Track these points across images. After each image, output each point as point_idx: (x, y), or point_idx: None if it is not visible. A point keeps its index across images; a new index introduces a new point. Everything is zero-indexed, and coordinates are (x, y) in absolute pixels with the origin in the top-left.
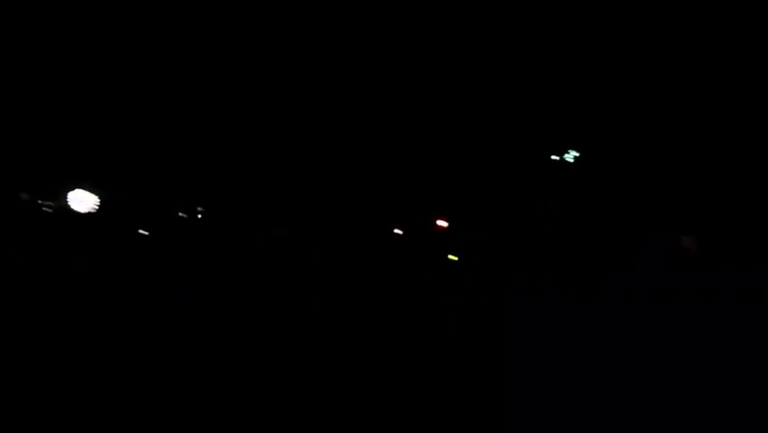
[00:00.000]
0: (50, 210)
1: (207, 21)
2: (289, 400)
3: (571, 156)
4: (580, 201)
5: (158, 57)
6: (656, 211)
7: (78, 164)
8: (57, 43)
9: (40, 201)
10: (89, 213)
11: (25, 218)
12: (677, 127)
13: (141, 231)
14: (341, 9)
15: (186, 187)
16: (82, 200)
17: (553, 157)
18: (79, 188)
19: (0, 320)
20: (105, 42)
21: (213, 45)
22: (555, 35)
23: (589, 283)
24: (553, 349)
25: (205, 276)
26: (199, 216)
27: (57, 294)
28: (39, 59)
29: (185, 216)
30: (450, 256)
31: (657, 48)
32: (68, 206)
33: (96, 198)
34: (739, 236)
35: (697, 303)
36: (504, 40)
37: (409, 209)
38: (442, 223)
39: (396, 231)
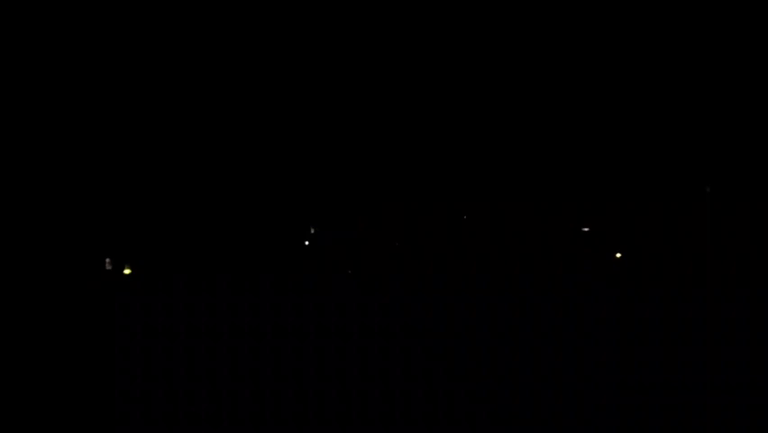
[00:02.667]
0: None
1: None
2: (290, 399)
3: (569, 156)
4: (579, 200)
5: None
6: (656, 210)
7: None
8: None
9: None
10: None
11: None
12: (675, 126)
13: (139, 228)
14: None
15: (185, 185)
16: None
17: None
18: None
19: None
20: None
21: (209, 49)
22: (553, 36)
23: (585, 282)
24: (546, 347)
25: (204, 276)
26: (201, 214)
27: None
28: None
29: (185, 214)
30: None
31: (656, 52)
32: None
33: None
34: (739, 235)
35: (695, 301)
36: (501, 40)
37: (410, 209)
38: (442, 223)
39: (397, 230)
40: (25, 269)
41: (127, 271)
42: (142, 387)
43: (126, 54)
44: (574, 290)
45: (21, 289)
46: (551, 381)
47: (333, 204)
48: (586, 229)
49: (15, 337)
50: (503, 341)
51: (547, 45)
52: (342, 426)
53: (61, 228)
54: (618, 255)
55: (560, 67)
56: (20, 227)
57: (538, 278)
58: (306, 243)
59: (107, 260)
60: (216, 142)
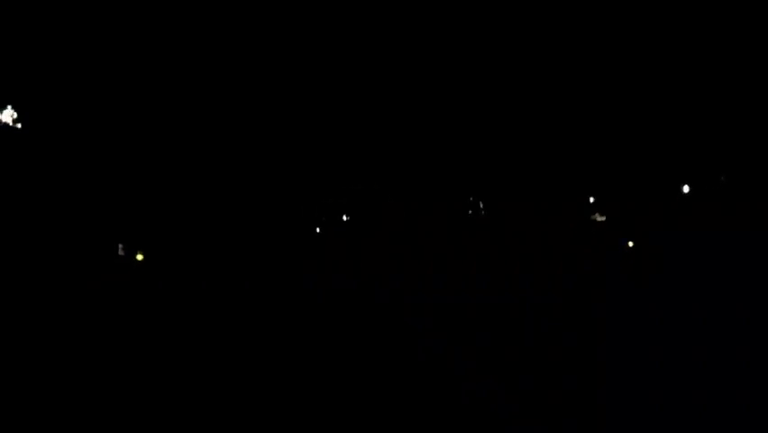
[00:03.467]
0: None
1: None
2: (289, 400)
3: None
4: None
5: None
6: (659, 208)
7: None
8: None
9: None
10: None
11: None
12: (673, 124)
13: (141, 226)
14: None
15: (186, 183)
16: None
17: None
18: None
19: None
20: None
21: (219, 46)
22: (556, 36)
23: (590, 276)
24: (546, 346)
25: (204, 275)
26: (201, 213)
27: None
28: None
29: (186, 213)
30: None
31: (657, 53)
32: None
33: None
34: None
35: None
36: (501, 40)
37: (410, 209)
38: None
39: (401, 230)
40: (39, 255)
41: (140, 258)
42: (143, 385)
43: (140, 49)
44: (575, 288)
45: (33, 275)
46: (551, 380)
47: (333, 204)
48: (599, 219)
49: (23, 323)
50: (503, 340)
51: (551, 46)
52: (341, 425)
53: (77, 215)
54: (631, 244)
55: (562, 68)
56: (34, 215)
57: (538, 277)
58: (318, 229)
59: (120, 246)
60: (226, 140)
